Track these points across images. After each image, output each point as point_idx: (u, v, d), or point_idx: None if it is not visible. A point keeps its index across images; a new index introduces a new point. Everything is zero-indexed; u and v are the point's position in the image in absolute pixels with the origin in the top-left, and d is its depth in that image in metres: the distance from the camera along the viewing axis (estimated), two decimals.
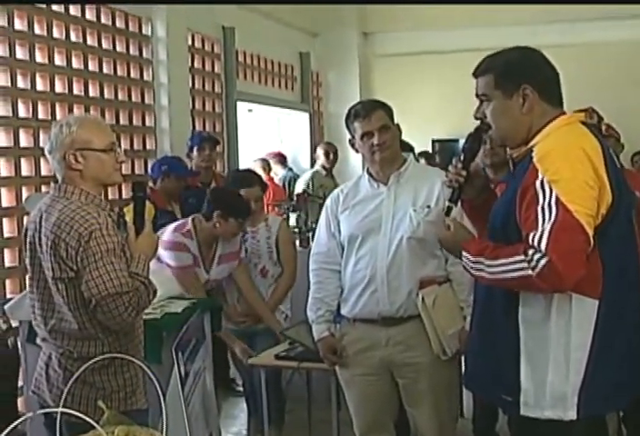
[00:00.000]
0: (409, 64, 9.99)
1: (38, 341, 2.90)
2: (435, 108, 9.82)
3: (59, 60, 5.44)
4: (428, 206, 3.27)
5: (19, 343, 3.81)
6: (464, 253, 2.46)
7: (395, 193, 3.34)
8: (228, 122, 7.62)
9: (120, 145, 2.89)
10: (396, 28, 9.99)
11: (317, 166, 8.18)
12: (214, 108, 7.47)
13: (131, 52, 6.24)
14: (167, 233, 4.35)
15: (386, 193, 3.35)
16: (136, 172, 6.22)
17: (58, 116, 5.29)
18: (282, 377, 4.75)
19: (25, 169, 5.10)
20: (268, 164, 8.52)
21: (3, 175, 4.94)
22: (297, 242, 5.58)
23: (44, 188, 5.11)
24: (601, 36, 9.21)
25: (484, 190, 2.67)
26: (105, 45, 5.92)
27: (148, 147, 6.40)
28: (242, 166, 7.58)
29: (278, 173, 8.79)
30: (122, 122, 6.09)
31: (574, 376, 2.34)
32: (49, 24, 5.35)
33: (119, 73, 6.07)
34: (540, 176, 2.28)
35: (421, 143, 8.40)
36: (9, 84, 4.99)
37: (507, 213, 2.38)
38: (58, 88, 5.41)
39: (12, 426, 1.63)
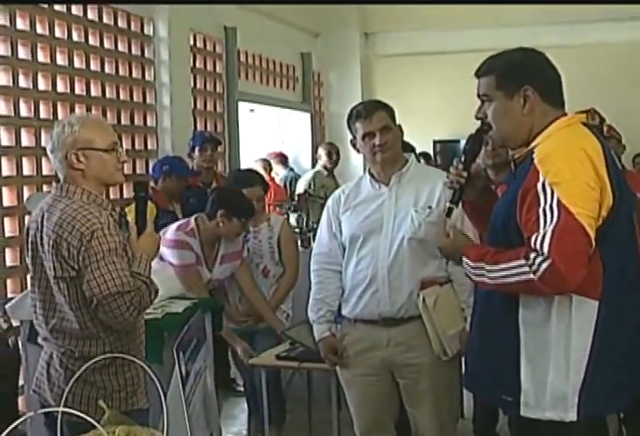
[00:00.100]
0: (410, 65, 9.99)
1: (40, 340, 2.91)
2: (437, 109, 9.81)
3: (61, 59, 5.44)
4: (429, 207, 3.27)
5: (20, 343, 3.81)
6: (464, 259, 2.46)
7: (397, 193, 3.34)
8: (230, 122, 7.62)
9: (122, 145, 2.89)
10: (398, 28, 9.99)
11: (319, 166, 8.18)
12: (215, 108, 7.47)
13: (133, 51, 6.24)
14: (170, 232, 4.36)
15: (388, 193, 3.35)
16: (138, 171, 6.22)
17: (60, 116, 5.30)
18: (281, 377, 4.75)
19: (27, 168, 5.11)
20: (269, 164, 8.52)
21: (4, 175, 4.93)
22: (298, 243, 5.58)
23: (45, 187, 5.11)
24: (601, 37, 9.21)
25: (485, 191, 2.67)
26: (106, 45, 5.92)
27: (150, 147, 6.41)
28: (243, 166, 7.58)
29: (279, 173, 8.79)
30: (123, 121, 6.09)
31: (574, 377, 2.34)
32: (51, 23, 5.35)
33: (121, 72, 6.07)
34: (541, 178, 2.28)
35: (422, 144, 8.40)
36: (11, 84, 4.99)
37: (508, 215, 2.38)
38: (60, 88, 5.41)
39: (13, 425, 1.63)
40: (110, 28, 5.97)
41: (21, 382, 3.98)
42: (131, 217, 2.93)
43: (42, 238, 2.76)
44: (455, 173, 2.61)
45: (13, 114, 5.00)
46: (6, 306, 3.76)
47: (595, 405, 2.36)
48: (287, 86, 9.12)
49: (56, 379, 2.81)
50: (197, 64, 7.13)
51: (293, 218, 6.24)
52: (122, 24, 6.12)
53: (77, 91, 5.57)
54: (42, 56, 5.27)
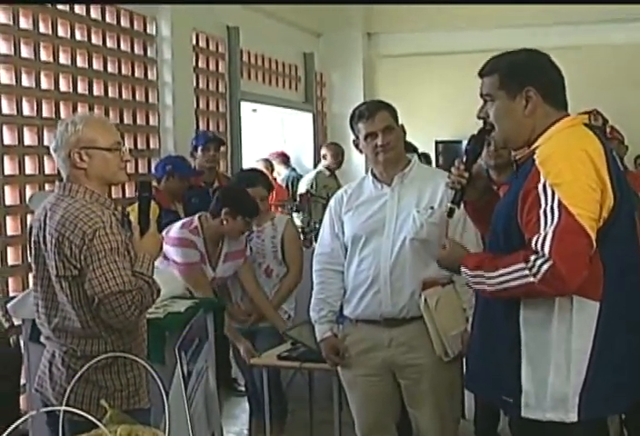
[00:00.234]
0: (413, 65, 9.99)
1: (42, 339, 2.91)
2: (439, 109, 9.81)
3: (64, 59, 5.44)
4: (432, 207, 3.27)
5: (22, 342, 3.82)
6: (462, 269, 2.46)
7: (399, 194, 3.34)
8: (232, 121, 7.62)
9: (124, 144, 2.89)
10: (401, 29, 9.98)
11: (321, 166, 8.19)
12: (217, 108, 7.47)
13: (135, 51, 6.24)
14: (174, 230, 4.36)
15: (390, 193, 3.35)
16: (140, 171, 6.23)
17: (62, 115, 5.30)
18: (282, 377, 4.75)
19: (29, 167, 5.11)
20: (271, 164, 8.52)
21: (7, 173, 4.94)
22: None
23: (47, 186, 5.11)
24: (604, 38, 9.21)
25: (486, 191, 2.67)
26: (109, 44, 5.92)
27: (152, 146, 6.41)
28: (245, 166, 7.58)
29: (281, 173, 8.80)
30: (126, 121, 6.10)
31: (575, 378, 2.33)
32: (54, 22, 5.35)
33: (123, 72, 6.08)
34: (542, 179, 2.28)
35: (424, 145, 8.40)
36: (14, 83, 5.00)
37: (509, 216, 2.38)
38: (62, 87, 5.42)
39: (15, 424, 1.63)
40: (113, 27, 5.98)
41: (23, 381, 3.98)
42: (133, 216, 2.94)
43: (44, 237, 2.76)
44: (456, 173, 2.61)
45: (15, 113, 5.00)
46: (8, 305, 3.76)
47: (595, 406, 2.36)
48: (290, 86, 9.12)
49: (58, 378, 2.81)
50: (200, 64, 7.13)
51: (298, 218, 6.23)
52: (125, 23, 6.12)
53: (80, 90, 5.57)
54: (44, 55, 5.27)
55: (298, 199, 6.84)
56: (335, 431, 4.07)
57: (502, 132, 2.49)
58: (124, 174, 2.88)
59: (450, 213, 2.65)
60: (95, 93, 5.74)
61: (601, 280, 2.33)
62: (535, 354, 2.37)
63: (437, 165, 8.95)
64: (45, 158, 5.12)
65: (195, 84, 6.94)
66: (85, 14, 5.66)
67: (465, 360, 3.09)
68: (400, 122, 3.40)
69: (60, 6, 5.41)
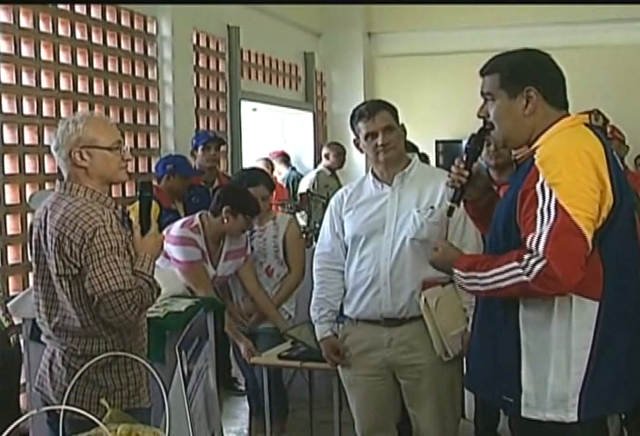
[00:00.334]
0: (413, 65, 9.99)
1: (43, 338, 2.91)
2: (439, 109, 9.81)
3: (64, 58, 5.44)
4: (432, 207, 3.27)
5: (22, 341, 3.82)
6: (455, 271, 2.46)
7: (399, 193, 3.34)
8: (232, 121, 7.62)
9: (124, 144, 2.89)
10: (401, 29, 9.99)
11: (321, 166, 8.19)
12: (218, 107, 7.47)
13: (136, 50, 6.24)
14: (175, 229, 4.36)
15: (390, 193, 3.35)
16: (140, 170, 6.23)
17: (63, 114, 5.30)
18: (282, 376, 4.75)
19: (30, 166, 5.11)
20: (271, 164, 8.52)
21: (7, 172, 4.94)
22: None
23: (47, 185, 5.11)
24: (605, 38, 9.22)
25: (486, 191, 2.67)
26: (110, 43, 5.92)
27: (152, 146, 6.41)
28: (245, 165, 7.58)
29: (281, 172, 8.80)
30: (126, 120, 6.10)
31: (575, 377, 2.34)
32: (54, 21, 5.35)
33: (124, 71, 6.08)
34: (541, 179, 2.29)
35: (425, 144, 8.38)
36: (14, 82, 5.00)
37: (509, 215, 2.38)
38: (63, 86, 5.41)
39: (15, 423, 1.63)
40: (113, 27, 5.98)
41: (23, 380, 3.98)
42: (134, 215, 2.94)
43: (45, 236, 2.76)
44: (456, 171, 2.61)
45: (16, 112, 5.00)
46: (8, 304, 3.76)
47: (595, 406, 2.36)
48: (290, 86, 9.12)
49: (59, 377, 2.81)
50: (200, 63, 7.13)
51: (301, 218, 6.22)
52: (125, 22, 6.12)
53: (80, 89, 5.57)
54: (45, 54, 5.27)
55: (299, 198, 6.83)
56: (335, 430, 4.07)
57: (502, 131, 2.49)
58: (124, 174, 2.88)
59: (450, 211, 2.65)
60: (96, 92, 5.74)
61: (600, 279, 2.33)
62: (534, 354, 2.37)
63: (437, 165, 8.95)
64: (46, 157, 5.12)
65: (195, 83, 6.94)
66: (85, 13, 5.66)
67: (465, 360, 3.09)
68: (400, 121, 3.40)
69: (60, 5, 5.41)
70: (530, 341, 2.38)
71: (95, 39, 5.75)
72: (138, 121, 6.27)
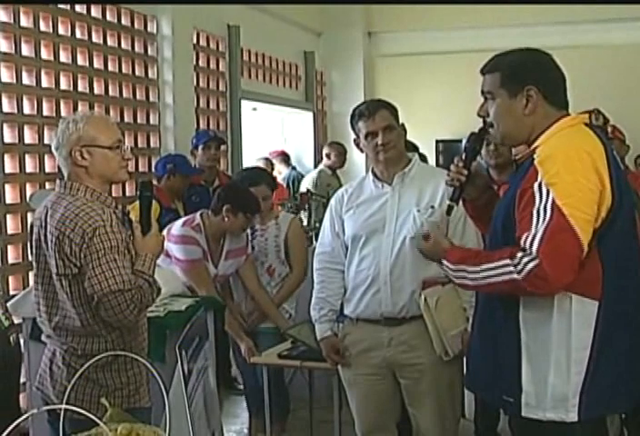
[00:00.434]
0: (413, 65, 9.99)
1: (43, 337, 2.92)
2: (439, 108, 9.81)
3: (64, 57, 5.44)
4: (432, 206, 3.27)
5: (22, 340, 3.82)
6: (444, 262, 2.47)
7: (400, 193, 3.34)
8: (232, 120, 7.62)
9: (124, 143, 2.89)
10: (401, 28, 9.98)
11: (322, 165, 8.20)
12: (218, 106, 7.47)
13: (136, 49, 6.24)
14: (176, 228, 4.37)
15: (391, 193, 3.35)
16: (141, 169, 6.23)
17: (63, 113, 5.30)
18: (284, 376, 4.75)
19: (30, 166, 5.10)
20: (271, 163, 8.52)
21: (7, 172, 4.93)
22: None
23: (48, 185, 5.11)
24: (605, 38, 9.22)
25: (485, 190, 2.67)
26: (110, 43, 5.92)
27: (152, 145, 6.41)
28: (245, 165, 7.58)
29: (282, 172, 8.80)
30: (126, 119, 6.10)
31: (575, 377, 2.33)
32: (54, 20, 5.35)
33: (124, 70, 6.07)
34: (539, 178, 2.29)
35: (425, 144, 8.39)
36: (14, 81, 4.99)
37: (508, 215, 2.38)
38: (63, 85, 5.41)
39: (16, 423, 1.63)
40: (113, 26, 5.97)
41: (22, 380, 3.98)
42: (134, 215, 2.94)
43: (45, 235, 2.76)
44: (455, 170, 2.61)
45: (16, 112, 5.00)
46: (9, 303, 3.76)
47: (596, 406, 2.36)
48: (290, 85, 9.12)
49: (59, 376, 2.81)
50: (200, 63, 7.13)
51: (306, 218, 6.22)
52: (125, 21, 6.12)
53: (80, 88, 5.57)
54: (45, 54, 5.27)
55: (299, 198, 6.83)
56: (335, 430, 4.08)
57: (501, 130, 2.49)
58: (125, 173, 2.87)
59: (448, 210, 2.64)
60: (96, 91, 5.74)
61: (599, 279, 2.33)
62: (535, 354, 2.37)
63: (438, 164, 8.95)
64: (46, 156, 5.12)
65: (195, 82, 6.94)
66: (85, 12, 5.66)
67: (465, 359, 3.09)
68: (400, 121, 3.40)
69: (61, 5, 5.41)
70: (530, 340, 2.38)
71: (95, 38, 5.75)
72: (138, 120, 6.26)
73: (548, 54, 2.50)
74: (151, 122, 6.40)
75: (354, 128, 3.39)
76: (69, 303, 2.76)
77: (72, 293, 2.74)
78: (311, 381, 4.66)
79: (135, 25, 6.24)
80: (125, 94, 6.08)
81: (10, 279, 4.91)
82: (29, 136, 5.11)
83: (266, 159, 8.49)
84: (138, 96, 6.26)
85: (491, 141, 3.74)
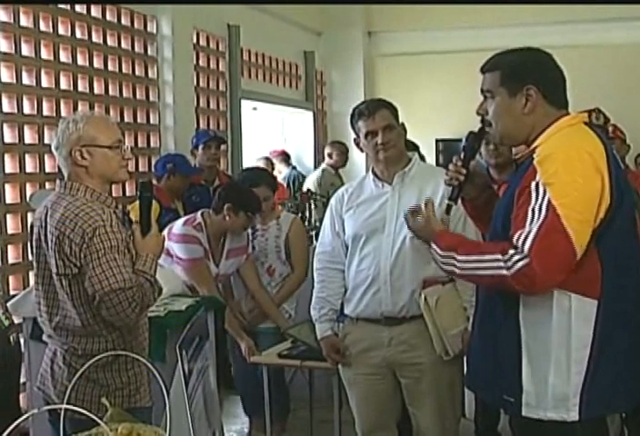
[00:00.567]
0: (413, 64, 9.99)
1: (44, 337, 2.92)
2: (440, 108, 9.81)
3: (64, 57, 5.44)
4: None
5: (22, 340, 3.82)
6: (433, 246, 2.47)
7: (400, 192, 3.34)
8: (232, 120, 7.62)
9: (125, 143, 2.89)
10: (401, 28, 9.98)
11: (325, 165, 8.21)
12: (218, 106, 7.47)
13: (136, 49, 6.24)
14: (177, 227, 4.37)
15: (391, 192, 3.35)
16: (141, 169, 6.23)
17: (63, 113, 5.30)
18: (284, 376, 4.76)
19: (30, 165, 5.10)
20: (272, 163, 8.52)
21: (7, 172, 4.93)
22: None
23: (48, 185, 5.11)
24: (606, 37, 9.21)
25: (484, 189, 2.67)
26: (110, 43, 5.91)
27: (152, 145, 6.41)
28: (245, 164, 7.58)
29: (282, 171, 8.80)
30: (126, 119, 6.09)
31: (575, 377, 2.33)
32: (54, 20, 5.35)
33: (124, 70, 6.07)
34: (537, 178, 2.29)
35: (425, 143, 8.39)
36: (14, 81, 4.99)
37: (507, 214, 2.38)
38: (63, 85, 5.41)
39: (17, 422, 1.63)
40: (113, 26, 5.97)
41: (22, 379, 3.98)
42: (134, 215, 2.94)
43: (45, 235, 2.77)
44: (453, 169, 2.61)
45: (16, 111, 5.00)
46: (9, 303, 3.77)
47: (596, 405, 2.36)
48: (290, 85, 9.12)
49: (60, 376, 2.82)
50: (200, 62, 7.13)
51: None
52: (125, 21, 6.12)
53: (80, 88, 5.57)
54: (45, 54, 5.27)
55: (299, 198, 6.83)
56: (335, 429, 4.08)
57: (500, 129, 2.49)
58: (125, 173, 2.88)
59: (448, 209, 2.64)
60: (96, 91, 5.74)
61: (599, 278, 2.33)
62: (535, 353, 2.37)
63: (438, 164, 8.95)
64: (46, 156, 5.12)
65: (195, 82, 6.94)
66: (85, 12, 5.66)
67: (465, 358, 3.09)
68: (400, 120, 3.40)
69: (61, 5, 5.41)
70: (530, 339, 2.38)
71: (95, 38, 5.74)
72: (138, 120, 6.26)
73: (548, 54, 2.50)
74: (151, 121, 6.40)
75: (354, 128, 3.39)
76: (69, 303, 2.76)
77: (72, 293, 2.74)
78: (311, 380, 4.66)
79: (135, 25, 6.24)
80: (125, 94, 6.08)
81: (10, 279, 4.91)
82: (29, 136, 5.11)
83: (267, 159, 8.50)
84: (138, 96, 6.26)
85: (491, 140, 3.74)
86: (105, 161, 2.79)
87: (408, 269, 3.28)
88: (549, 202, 2.25)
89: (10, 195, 4.96)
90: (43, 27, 5.26)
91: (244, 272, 4.60)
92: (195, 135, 6.05)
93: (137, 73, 6.25)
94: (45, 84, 5.25)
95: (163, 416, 2.08)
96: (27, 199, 4.71)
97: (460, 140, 2.66)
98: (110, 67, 5.90)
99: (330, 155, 8.18)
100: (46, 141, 5.04)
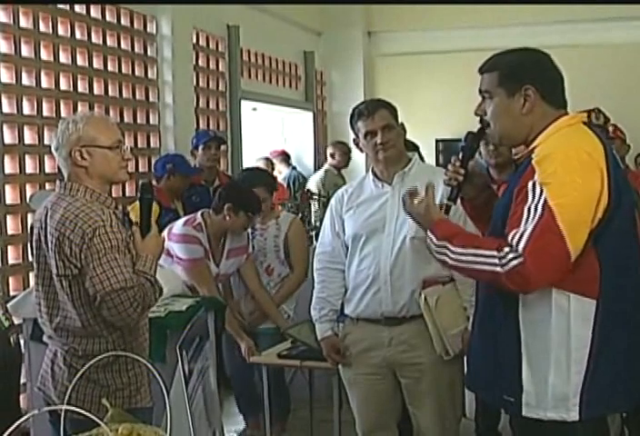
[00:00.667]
0: (413, 64, 9.98)
1: (45, 338, 2.92)
2: (439, 108, 9.80)
3: (64, 57, 5.43)
4: None
5: (22, 341, 3.82)
6: (429, 234, 2.47)
7: (400, 192, 3.33)
8: (232, 120, 7.61)
9: (124, 143, 2.89)
10: (401, 28, 9.98)
11: (328, 165, 8.22)
12: (218, 106, 7.47)
13: (136, 50, 6.24)
14: (177, 227, 4.38)
15: (391, 192, 3.35)
16: (141, 170, 6.22)
17: (63, 114, 5.30)
18: (284, 376, 4.75)
19: (30, 166, 5.10)
20: (272, 163, 8.52)
21: (7, 172, 4.93)
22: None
23: (47, 185, 5.11)
24: (605, 37, 9.21)
25: (483, 189, 2.67)
26: (109, 43, 5.91)
27: (152, 145, 6.40)
28: (245, 165, 7.58)
29: (282, 171, 8.80)
30: (126, 119, 6.09)
31: (575, 377, 2.33)
32: (54, 21, 5.34)
33: (124, 70, 6.07)
34: (535, 177, 2.29)
35: (425, 143, 8.38)
36: (14, 82, 4.99)
37: (506, 214, 2.38)
38: (63, 86, 5.41)
39: (17, 423, 1.63)
40: (113, 26, 5.97)
41: (23, 380, 3.98)
42: (134, 215, 2.94)
43: (45, 236, 2.77)
44: (452, 170, 2.61)
45: (16, 112, 5.00)
46: (9, 304, 3.77)
47: (596, 405, 2.36)
48: (290, 85, 9.11)
49: (60, 376, 2.82)
50: (200, 63, 7.12)
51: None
52: (125, 22, 6.11)
53: (80, 89, 5.57)
54: (45, 54, 5.26)
55: (299, 198, 6.83)
56: (335, 429, 4.08)
57: (498, 129, 2.49)
58: (125, 173, 2.88)
59: (447, 209, 2.64)
60: (96, 91, 5.73)
61: (597, 278, 2.32)
62: (535, 353, 2.37)
63: (438, 164, 8.95)
64: (46, 157, 5.12)
65: (195, 82, 6.93)
66: (85, 13, 5.65)
67: (465, 358, 3.09)
68: (400, 120, 3.40)
69: (60, 5, 5.40)
70: (530, 339, 2.38)
71: (94, 39, 5.74)
72: (138, 120, 6.26)
73: (546, 54, 2.50)
74: (151, 122, 6.40)
75: (353, 128, 3.39)
76: (70, 304, 2.76)
77: (72, 294, 2.74)
78: (311, 380, 4.66)
79: (135, 26, 6.23)
80: (124, 95, 6.08)
81: (10, 279, 4.90)
82: (29, 137, 5.11)
83: (267, 159, 8.49)
84: (138, 96, 6.25)
85: (489, 140, 3.74)
86: (104, 161, 2.79)
87: (408, 269, 3.28)
88: (545, 201, 2.25)
89: (10, 196, 4.95)
90: (42, 28, 5.25)
91: (244, 271, 4.60)
92: (195, 136, 6.05)
93: (137, 73, 6.24)
94: (44, 84, 5.25)
95: (163, 416, 2.08)
96: (27, 200, 4.71)
97: (460, 140, 2.66)
98: (110, 68, 5.90)
99: (333, 156, 8.20)
100: (46, 141, 5.03)
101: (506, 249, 2.26)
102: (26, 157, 5.08)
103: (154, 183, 5.39)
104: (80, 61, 5.58)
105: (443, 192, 3.20)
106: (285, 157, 8.94)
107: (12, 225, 4.95)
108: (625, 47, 9.23)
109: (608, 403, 2.41)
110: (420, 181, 3.32)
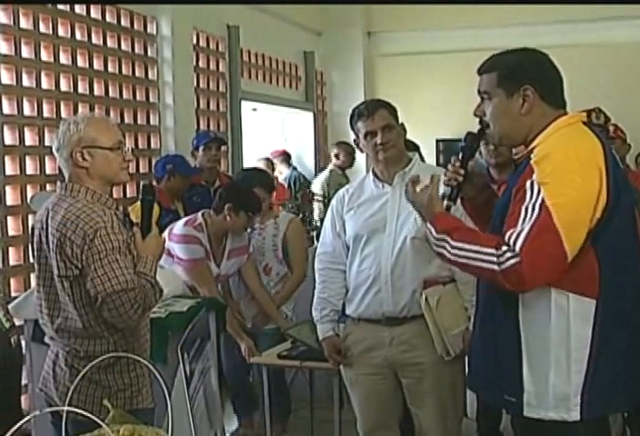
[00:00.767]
0: (413, 64, 9.98)
1: (46, 339, 2.92)
2: (440, 108, 9.80)
3: (64, 58, 5.43)
4: None
5: (23, 342, 3.82)
6: (428, 226, 2.46)
7: (400, 192, 3.33)
8: (232, 121, 7.61)
9: (125, 144, 2.90)
10: (401, 28, 9.98)
11: (332, 166, 8.23)
12: (218, 107, 7.47)
13: (136, 50, 6.24)
14: (178, 227, 4.38)
15: (391, 192, 3.35)
16: (141, 171, 6.22)
17: (63, 115, 5.30)
18: (285, 377, 4.75)
19: (30, 167, 5.10)
20: (272, 163, 8.51)
21: (8, 174, 4.93)
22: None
23: (48, 187, 5.11)
24: (605, 37, 9.20)
25: (483, 189, 2.67)
26: (109, 44, 5.91)
27: (153, 146, 6.40)
28: (246, 165, 7.58)
29: (283, 172, 8.80)
30: (126, 120, 6.09)
31: (575, 377, 2.33)
32: (54, 22, 5.34)
33: (124, 71, 6.07)
34: (533, 177, 2.29)
35: (425, 143, 8.38)
36: (14, 83, 4.99)
37: (506, 214, 2.38)
38: (63, 87, 5.41)
39: (19, 424, 1.64)
40: (113, 27, 5.97)
41: (24, 381, 3.98)
42: (134, 216, 2.94)
43: (46, 237, 2.77)
44: (452, 170, 2.61)
45: (16, 113, 5.00)
46: (10, 305, 3.77)
47: (597, 405, 2.36)
48: (290, 85, 9.11)
49: (62, 377, 2.82)
50: (200, 63, 7.12)
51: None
52: (125, 22, 6.11)
53: (80, 90, 5.57)
54: (45, 55, 5.26)
55: (300, 198, 6.83)
56: (336, 429, 4.08)
57: (498, 130, 2.49)
58: (125, 174, 2.88)
59: (447, 209, 2.64)
60: (96, 92, 5.73)
61: (596, 278, 2.32)
62: (535, 353, 2.37)
63: (438, 164, 8.95)
64: (47, 158, 5.12)
65: (195, 83, 6.93)
66: (85, 13, 5.65)
67: (467, 358, 3.09)
68: (400, 120, 3.40)
69: (60, 6, 5.40)
70: (530, 339, 2.38)
71: (95, 40, 5.74)
72: (139, 121, 6.26)
73: (545, 54, 2.50)
74: (151, 123, 6.40)
75: (353, 128, 3.39)
76: (71, 305, 2.76)
77: (73, 295, 2.74)
78: (311, 380, 4.66)
79: (135, 26, 6.23)
80: (125, 96, 6.08)
81: (11, 281, 4.90)
82: (30, 138, 5.11)
83: (267, 159, 8.49)
84: (138, 97, 6.25)
85: (489, 140, 3.74)
86: (105, 162, 2.79)
87: (409, 269, 3.28)
88: (543, 201, 2.25)
89: (11, 197, 4.95)
90: (43, 29, 5.25)
91: (245, 271, 4.61)
92: (196, 137, 6.05)
93: (137, 74, 6.24)
94: (45, 85, 5.25)
95: (165, 417, 2.08)
96: (28, 201, 4.71)
97: (460, 140, 2.66)
98: (110, 69, 5.90)
99: (337, 156, 8.22)
100: (47, 143, 5.03)
101: (504, 247, 2.26)
102: (27, 158, 5.08)
103: (154, 183, 5.39)
104: (80, 62, 5.58)
105: (443, 192, 3.21)
106: (286, 157, 8.94)
107: (13, 226, 4.95)
108: (625, 47, 9.22)
109: (609, 403, 2.41)
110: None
